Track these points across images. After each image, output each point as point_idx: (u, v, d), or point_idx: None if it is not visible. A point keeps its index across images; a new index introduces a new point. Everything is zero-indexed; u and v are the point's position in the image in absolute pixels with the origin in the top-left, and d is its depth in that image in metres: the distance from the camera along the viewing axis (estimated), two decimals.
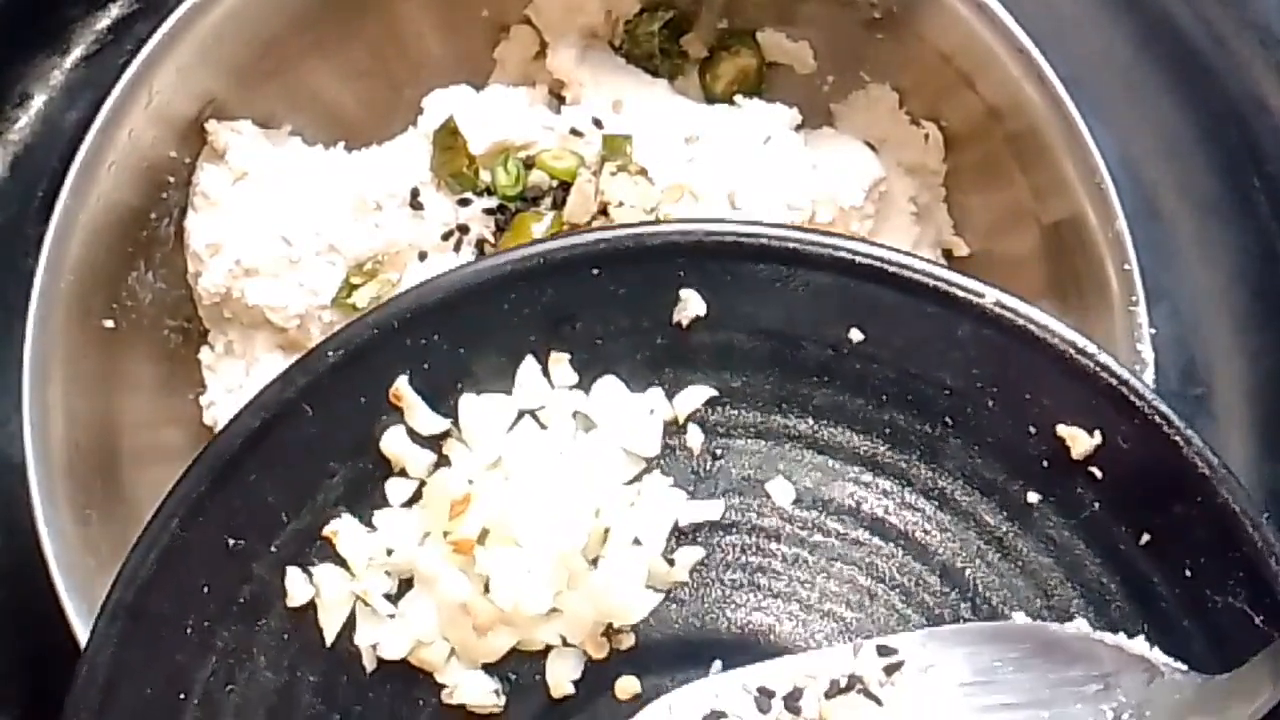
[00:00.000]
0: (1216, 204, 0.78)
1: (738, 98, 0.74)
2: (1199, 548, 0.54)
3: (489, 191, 0.70)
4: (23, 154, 0.78)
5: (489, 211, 0.70)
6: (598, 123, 0.71)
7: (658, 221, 0.66)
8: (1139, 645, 0.54)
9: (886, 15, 0.72)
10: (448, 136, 0.69)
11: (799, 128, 0.74)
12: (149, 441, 0.72)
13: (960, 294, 0.57)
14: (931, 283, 0.57)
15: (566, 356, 0.58)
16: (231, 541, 0.57)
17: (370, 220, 0.70)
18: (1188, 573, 0.54)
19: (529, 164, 0.70)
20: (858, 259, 0.57)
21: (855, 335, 0.57)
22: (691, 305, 0.58)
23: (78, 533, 0.66)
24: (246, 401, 0.57)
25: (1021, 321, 0.56)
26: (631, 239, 0.58)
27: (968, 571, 0.57)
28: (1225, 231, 0.78)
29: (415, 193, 0.70)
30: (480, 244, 0.70)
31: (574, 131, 0.71)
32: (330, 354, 0.57)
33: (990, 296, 0.57)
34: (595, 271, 0.58)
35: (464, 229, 0.70)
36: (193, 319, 0.74)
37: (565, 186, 0.69)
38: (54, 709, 0.75)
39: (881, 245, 0.58)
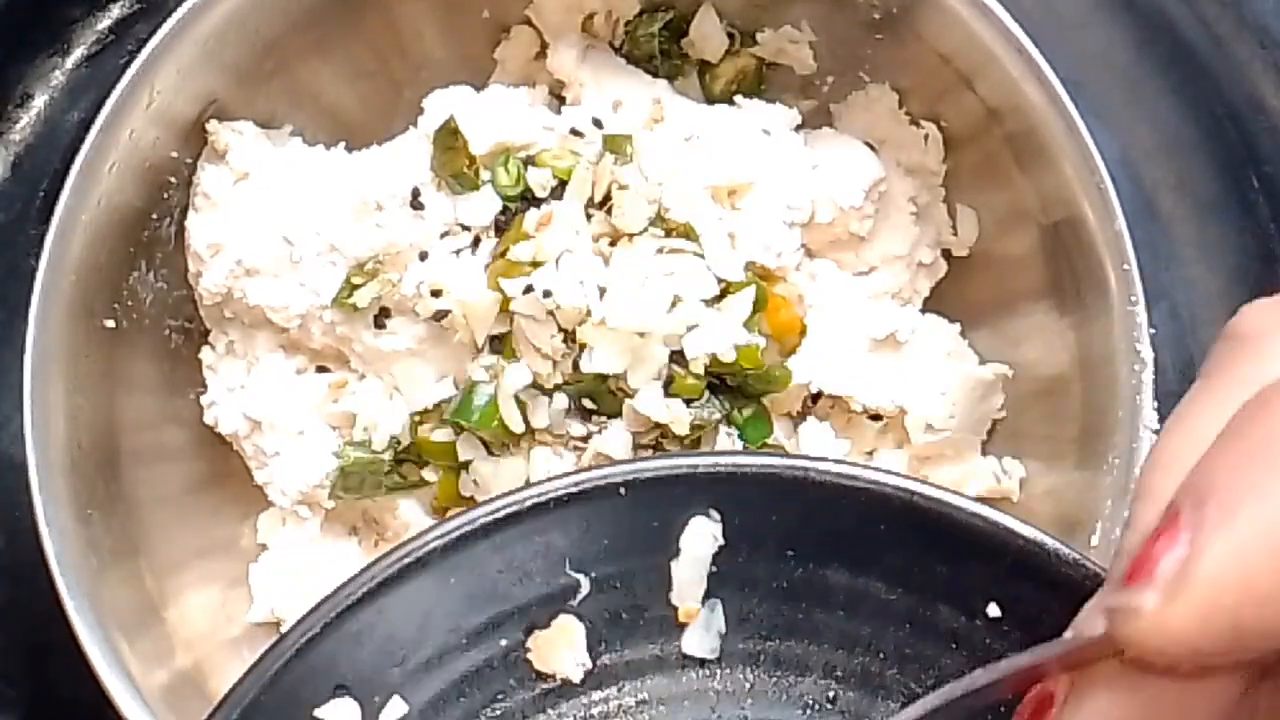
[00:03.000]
0: (1215, 204, 0.78)
1: (738, 98, 0.75)
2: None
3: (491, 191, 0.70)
4: (24, 154, 0.78)
5: (490, 211, 0.70)
6: (598, 123, 0.71)
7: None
8: None
9: (886, 15, 0.72)
10: (448, 136, 0.69)
11: (799, 128, 0.74)
12: (150, 441, 0.72)
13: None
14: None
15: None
16: None
17: (371, 220, 0.70)
18: None
19: (529, 164, 0.70)
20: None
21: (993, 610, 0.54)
22: None
23: (79, 532, 0.66)
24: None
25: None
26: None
27: None
28: (1224, 232, 0.78)
29: (416, 193, 0.70)
30: (477, 243, 0.70)
31: (574, 131, 0.71)
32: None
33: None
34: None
35: (464, 229, 0.70)
36: (194, 319, 0.74)
37: (566, 186, 0.69)
38: (55, 709, 0.75)
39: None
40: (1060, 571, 0.52)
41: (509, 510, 0.54)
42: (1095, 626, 0.37)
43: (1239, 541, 0.34)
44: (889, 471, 0.55)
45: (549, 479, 0.55)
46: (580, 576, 0.55)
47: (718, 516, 0.54)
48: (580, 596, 0.55)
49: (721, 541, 0.55)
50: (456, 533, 0.54)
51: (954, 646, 0.54)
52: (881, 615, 0.55)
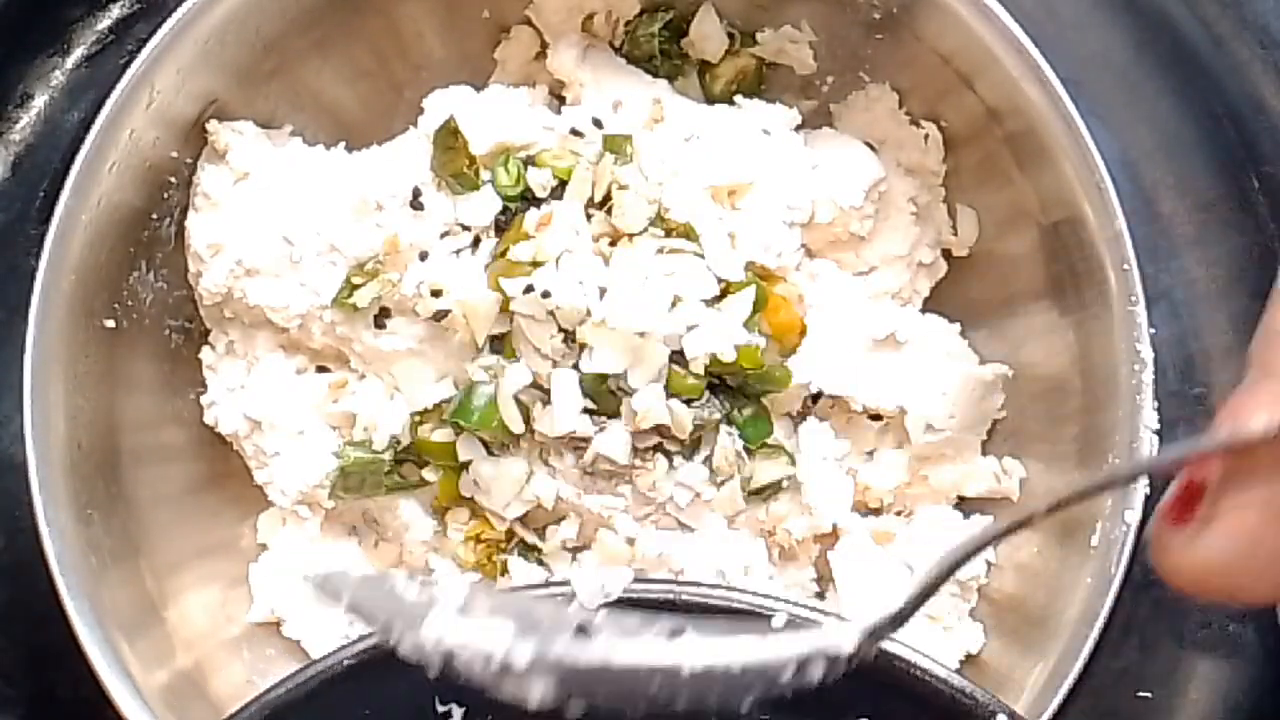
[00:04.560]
0: (1215, 204, 0.78)
1: (738, 98, 0.75)
2: None
3: (491, 191, 0.70)
4: (24, 154, 0.78)
5: (490, 211, 0.70)
6: (598, 123, 0.71)
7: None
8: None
9: (886, 15, 0.72)
10: (448, 136, 0.69)
11: (799, 128, 0.74)
12: (150, 441, 0.72)
13: None
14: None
15: None
16: None
17: (371, 220, 0.70)
18: None
19: (529, 164, 0.70)
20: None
21: None
22: None
23: (79, 532, 0.66)
24: None
25: None
26: None
27: None
28: (1224, 232, 0.78)
29: (416, 193, 0.70)
30: (477, 243, 0.70)
31: (574, 131, 0.71)
32: None
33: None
34: None
35: (465, 229, 0.70)
36: (194, 319, 0.74)
37: (566, 186, 0.69)
38: (55, 709, 0.75)
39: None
40: (928, 685, 0.54)
41: (371, 651, 0.54)
42: (1255, 424, 0.41)
43: None
44: (753, 592, 0.56)
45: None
46: (452, 707, 0.55)
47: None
48: None
49: None
50: (316, 680, 0.54)
51: None
52: None
